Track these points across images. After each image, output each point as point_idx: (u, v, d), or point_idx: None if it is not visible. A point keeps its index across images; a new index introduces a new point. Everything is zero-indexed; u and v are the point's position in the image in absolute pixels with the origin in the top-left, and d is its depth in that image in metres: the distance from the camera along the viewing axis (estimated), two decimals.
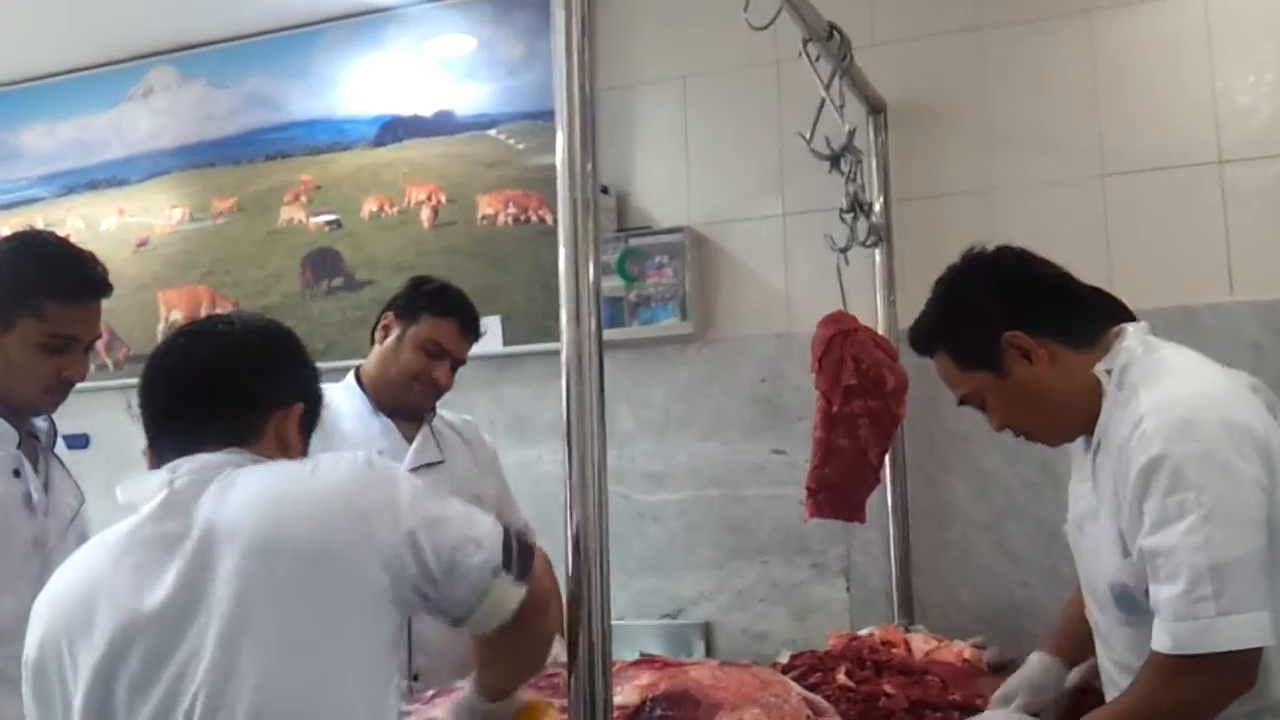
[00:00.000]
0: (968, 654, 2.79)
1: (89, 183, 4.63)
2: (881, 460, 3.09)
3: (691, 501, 3.61)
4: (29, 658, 1.61)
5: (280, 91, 4.33)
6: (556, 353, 1.78)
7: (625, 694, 2.16)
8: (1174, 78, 3.21)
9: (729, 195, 3.68)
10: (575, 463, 1.74)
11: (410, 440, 2.91)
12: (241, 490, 1.57)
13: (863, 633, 2.99)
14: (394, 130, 4.15)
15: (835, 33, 2.92)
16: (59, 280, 2.26)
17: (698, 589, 3.59)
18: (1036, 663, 2.32)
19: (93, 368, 2.44)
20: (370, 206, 4.14)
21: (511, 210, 3.92)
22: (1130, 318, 2.09)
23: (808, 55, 2.89)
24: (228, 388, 1.72)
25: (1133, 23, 3.26)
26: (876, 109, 3.41)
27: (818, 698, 2.31)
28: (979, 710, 2.31)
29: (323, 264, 4.18)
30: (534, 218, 3.88)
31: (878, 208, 3.32)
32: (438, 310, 2.88)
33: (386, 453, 2.74)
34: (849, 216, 3.09)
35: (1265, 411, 1.93)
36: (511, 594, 1.63)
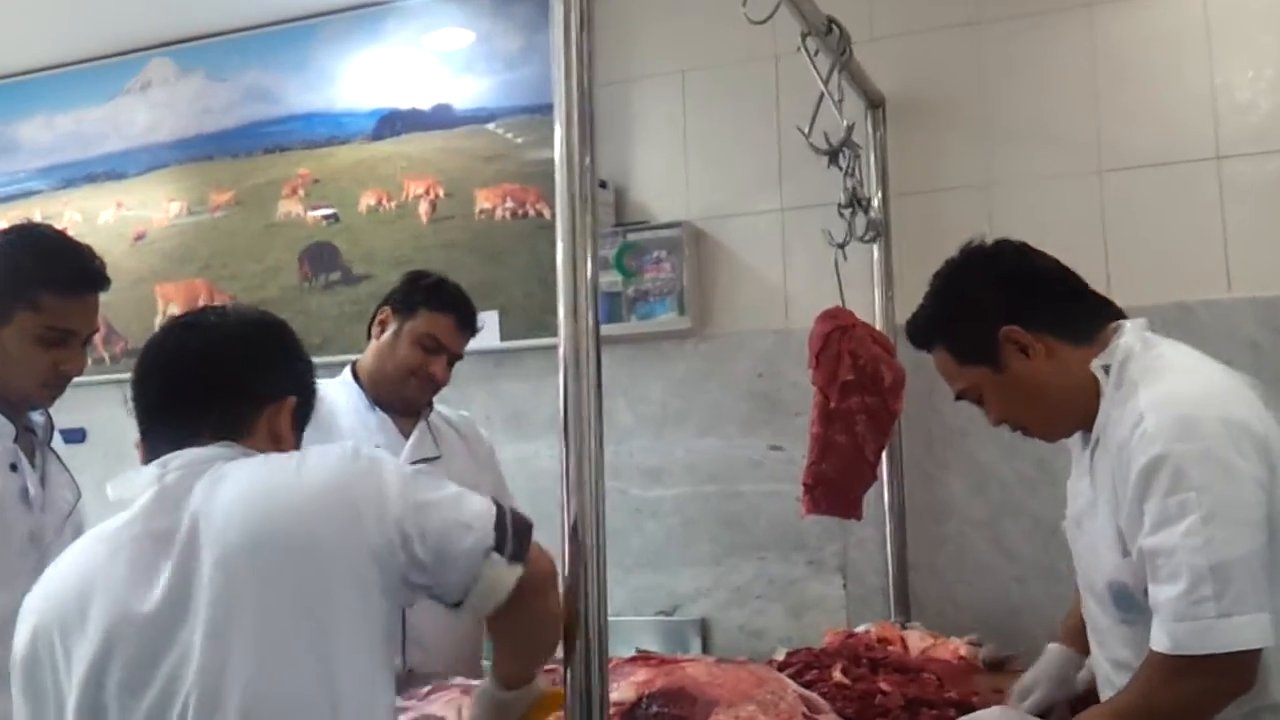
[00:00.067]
0: (964, 651, 2.79)
1: (87, 176, 4.62)
2: (878, 456, 3.09)
3: (688, 497, 3.61)
4: (20, 652, 1.60)
5: (278, 85, 4.32)
6: (554, 348, 1.78)
7: (621, 691, 2.16)
8: (1173, 73, 3.20)
9: (727, 190, 3.67)
10: (572, 458, 1.74)
11: (407, 435, 2.90)
12: (230, 485, 1.56)
13: (859, 630, 2.99)
14: (392, 124, 4.14)
15: (834, 27, 2.91)
16: (56, 273, 2.25)
17: (694, 585, 3.59)
18: (1055, 654, 2.32)
19: (90, 361, 2.44)
20: (368, 200, 4.14)
21: (509, 204, 3.92)
22: (1121, 317, 2.09)
23: (806, 50, 2.88)
24: (220, 380, 1.70)
25: (1133, 17, 3.26)
26: (875, 104, 3.40)
27: (814, 695, 2.31)
28: (975, 708, 2.29)
29: (320, 258, 4.18)
30: (532, 212, 3.87)
31: (876, 203, 3.31)
32: (435, 305, 2.87)
33: (383, 448, 2.73)
34: (847, 212, 3.09)
35: (1263, 408, 1.92)
36: (505, 575, 1.61)
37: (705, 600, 3.57)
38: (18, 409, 2.31)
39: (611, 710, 1.91)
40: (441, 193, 4.03)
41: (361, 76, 4.18)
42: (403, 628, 2.50)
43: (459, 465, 2.90)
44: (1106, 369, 1.98)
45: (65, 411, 2.45)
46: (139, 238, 4.49)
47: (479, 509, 1.63)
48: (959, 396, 2.16)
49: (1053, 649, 2.33)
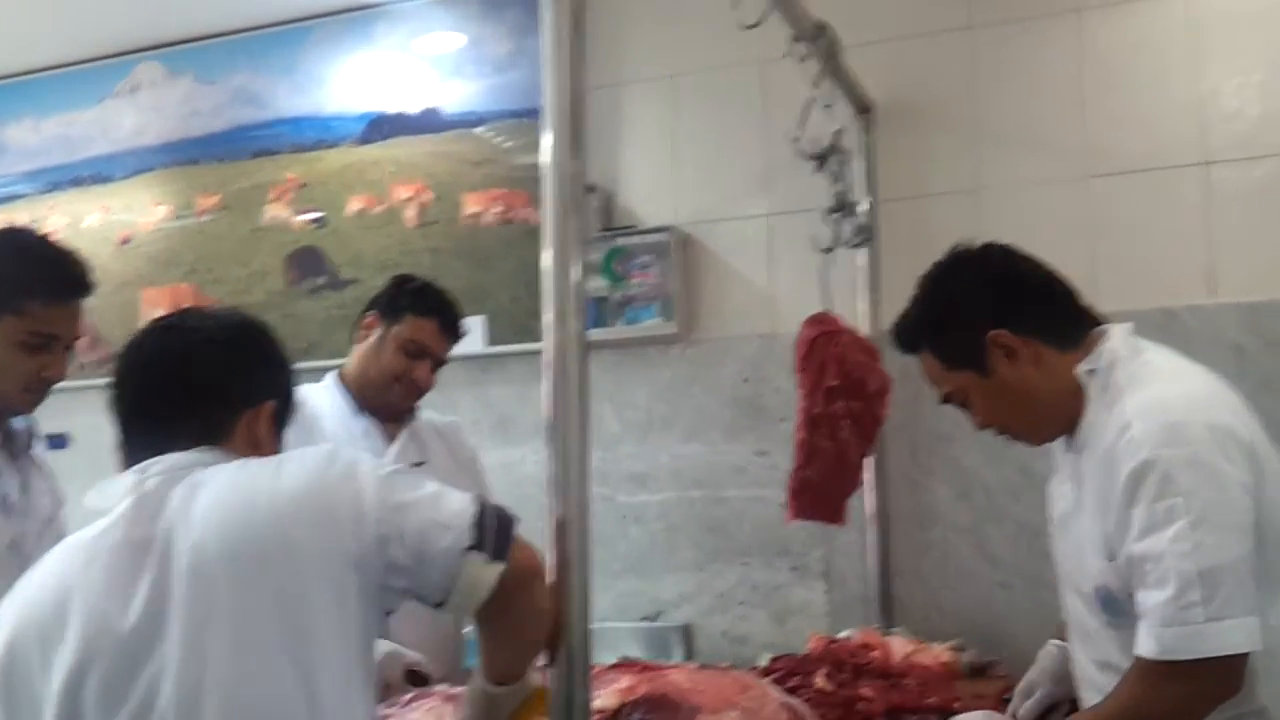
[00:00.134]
0: (946, 657, 2.78)
1: (73, 179, 4.61)
2: (863, 462, 3.10)
3: (673, 503, 3.61)
4: None
5: (267, 88, 4.31)
6: (540, 353, 1.77)
7: (604, 698, 2.15)
8: (1160, 79, 3.21)
9: (715, 195, 3.67)
10: (558, 463, 1.74)
11: (392, 441, 2.90)
12: (207, 492, 1.56)
13: (842, 636, 2.99)
14: (380, 128, 4.13)
15: (823, 32, 2.91)
16: (41, 279, 2.24)
17: (678, 591, 3.58)
18: (1055, 652, 2.32)
19: (74, 366, 2.43)
20: (355, 205, 4.13)
21: (497, 209, 3.91)
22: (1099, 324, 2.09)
23: (795, 54, 2.89)
24: (199, 384, 1.69)
25: (1121, 23, 3.26)
26: (864, 108, 3.40)
27: (796, 701, 2.31)
28: (956, 714, 2.30)
29: (307, 262, 4.17)
30: (520, 217, 3.86)
31: (864, 208, 3.31)
32: (419, 309, 2.87)
33: (368, 454, 2.72)
34: (835, 216, 3.09)
35: (1247, 413, 1.93)
36: (485, 573, 1.59)
37: (689, 606, 3.57)
38: (0, 415, 2.30)
39: (594, 718, 1.91)
40: (429, 197, 4.02)
41: (350, 80, 4.17)
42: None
43: (443, 472, 2.88)
44: (1092, 373, 1.99)
45: (48, 417, 2.44)
46: (125, 242, 4.47)
47: (457, 507, 1.61)
48: (944, 400, 2.16)
49: (1052, 647, 2.33)
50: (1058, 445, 2.11)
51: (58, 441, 3.53)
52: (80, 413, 3.25)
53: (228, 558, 1.51)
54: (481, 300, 3.76)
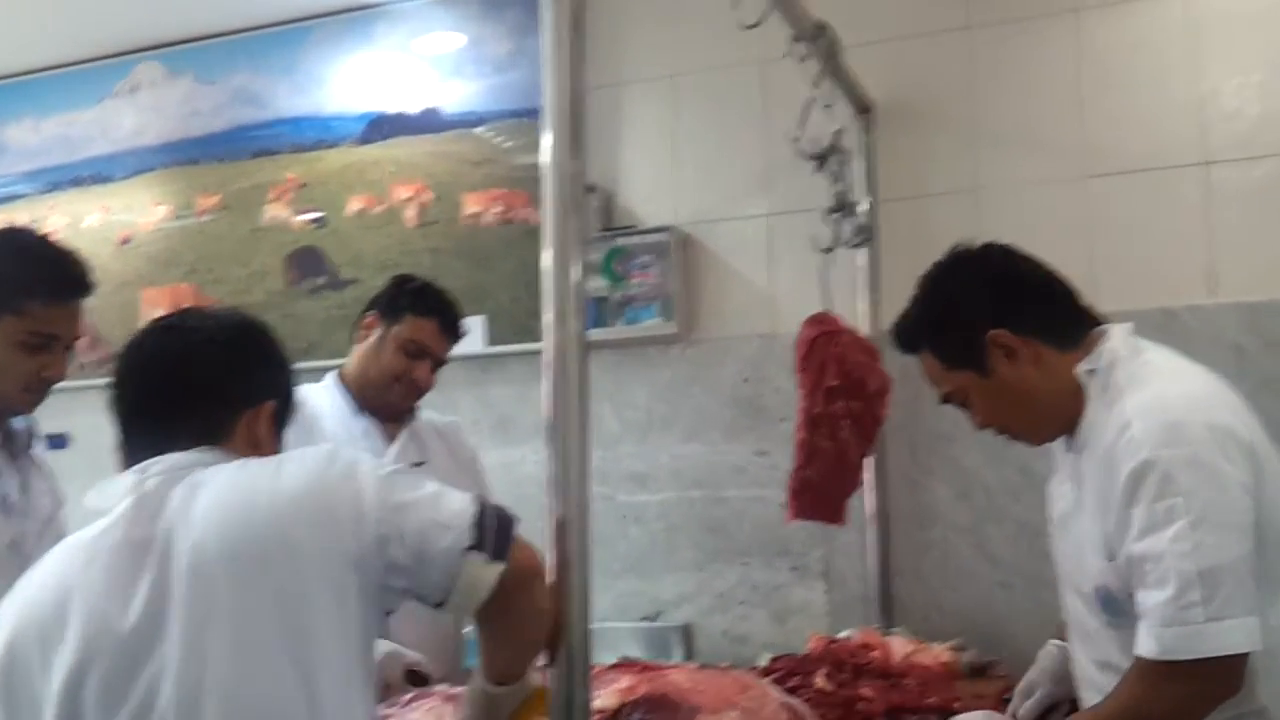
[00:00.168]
0: (946, 657, 2.78)
1: (73, 179, 4.61)
2: (863, 462, 3.10)
3: (673, 503, 3.61)
4: None
5: (267, 88, 4.31)
6: (540, 353, 1.77)
7: (604, 698, 2.15)
8: (1159, 79, 3.21)
9: (715, 195, 3.67)
10: (558, 463, 1.74)
11: (392, 441, 2.90)
12: (207, 492, 1.56)
13: (842, 635, 2.99)
14: (380, 128, 4.13)
15: (823, 32, 2.91)
16: (41, 279, 2.23)
17: (678, 591, 3.58)
18: (1055, 652, 2.32)
19: (74, 366, 2.43)
20: (355, 205, 4.13)
21: (497, 209, 3.91)
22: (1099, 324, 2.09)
23: (795, 54, 2.89)
24: (199, 384, 1.69)
25: (1120, 23, 3.26)
26: (863, 108, 3.40)
27: (796, 701, 2.31)
28: (955, 714, 2.30)
29: (307, 262, 4.17)
30: (520, 217, 3.87)
31: (864, 208, 3.31)
32: (419, 310, 2.86)
33: (368, 455, 2.72)
34: (835, 216, 3.09)
35: (1248, 414, 1.93)
36: (485, 573, 1.59)
37: (689, 606, 3.57)
38: (0, 415, 2.30)
39: (594, 718, 1.91)
40: (429, 197, 4.02)
41: (350, 80, 4.17)
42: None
43: (443, 472, 2.88)
44: (1092, 373, 1.99)
45: (48, 417, 2.44)
46: (125, 242, 4.47)
47: (457, 507, 1.61)
48: (944, 400, 2.16)
49: (1052, 647, 2.33)
50: (1058, 445, 2.11)
51: (58, 441, 3.53)
52: (80, 413, 3.25)
53: (227, 558, 1.51)
54: (481, 300, 3.76)
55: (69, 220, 4.54)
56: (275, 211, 4.24)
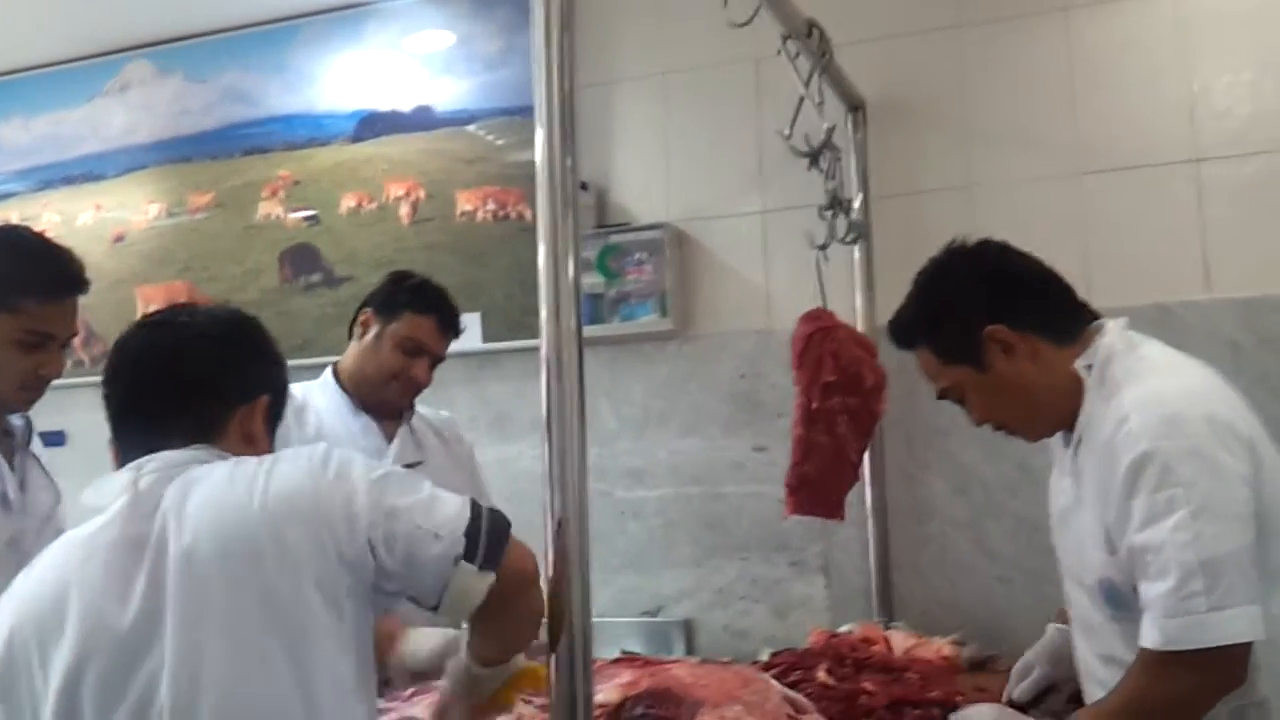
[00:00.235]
0: (947, 651, 2.79)
1: (64, 178, 4.60)
2: (860, 457, 3.10)
3: (671, 499, 3.61)
4: None
5: (258, 86, 4.31)
6: (536, 349, 1.77)
7: (606, 693, 2.15)
8: (1151, 76, 3.22)
9: (709, 192, 3.67)
10: (556, 460, 1.73)
11: (390, 439, 2.89)
12: (200, 490, 1.55)
13: (842, 630, 3.00)
14: (372, 126, 4.13)
15: (814, 30, 2.91)
16: (36, 276, 2.23)
17: (678, 586, 3.59)
18: (1054, 633, 2.32)
19: (69, 364, 2.42)
20: (349, 202, 4.13)
21: (491, 206, 3.91)
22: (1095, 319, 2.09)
23: (787, 52, 2.89)
24: (191, 380, 1.69)
25: (1109, 21, 3.27)
26: (855, 106, 3.41)
27: (798, 695, 2.31)
28: (958, 707, 2.30)
29: (301, 260, 4.17)
30: (513, 214, 3.87)
31: (857, 205, 3.31)
32: (417, 307, 2.85)
33: (367, 453, 2.70)
34: (828, 213, 3.10)
35: (1245, 407, 1.94)
36: (475, 583, 1.59)
37: (689, 601, 3.57)
38: None
39: (596, 712, 1.91)
40: (422, 194, 4.02)
41: (341, 78, 4.17)
42: None
43: (440, 468, 2.88)
44: (1089, 368, 1.99)
45: (45, 415, 2.44)
46: (118, 240, 4.47)
47: (451, 513, 1.61)
48: (941, 396, 2.16)
49: (1051, 629, 2.34)
50: (1056, 440, 2.12)
51: (54, 439, 3.53)
52: (76, 410, 3.24)
53: (220, 556, 1.50)
54: (476, 297, 3.76)
55: (62, 218, 4.53)
56: (269, 209, 4.24)
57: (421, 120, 4.06)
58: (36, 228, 2.63)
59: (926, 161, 3.43)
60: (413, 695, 2.28)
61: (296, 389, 2.68)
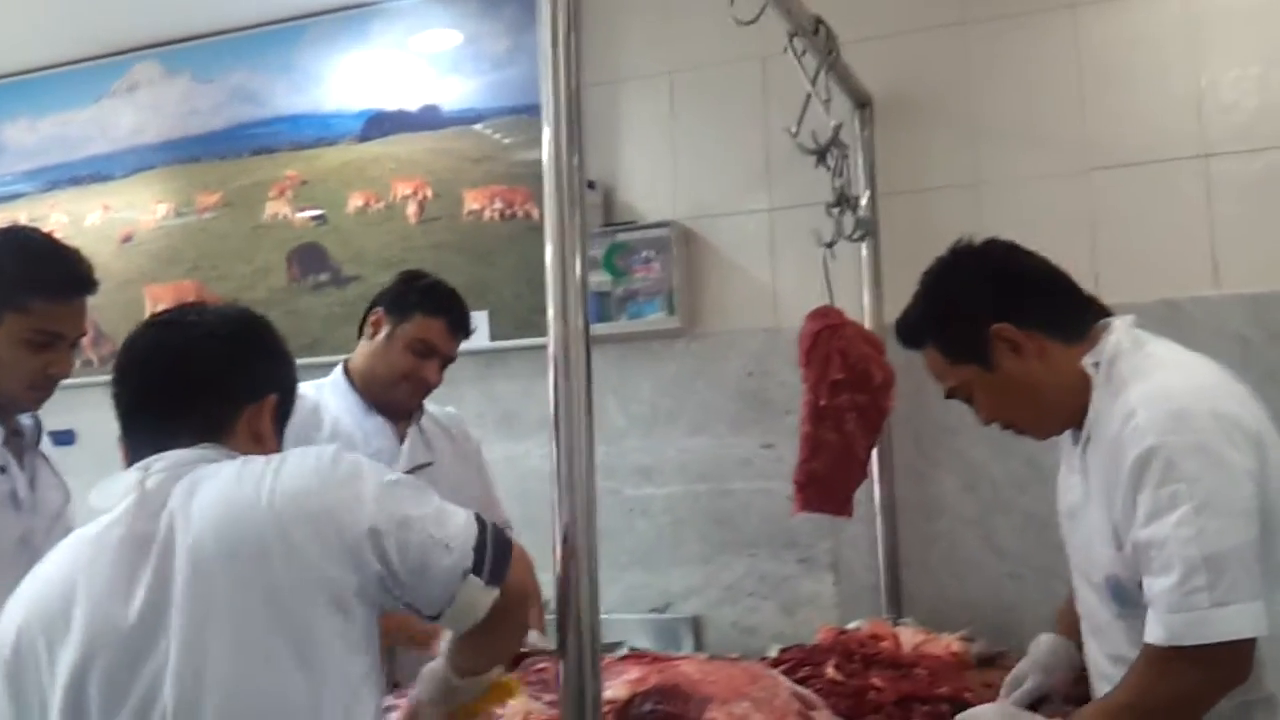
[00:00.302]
0: (956, 647, 2.79)
1: (72, 178, 4.61)
2: (869, 454, 3.10)
3: (680, 496, 3.61)
4: (4, 654, 1.59)
5: (265, 86, 4.31)
6: (544, 348, 1.77)
7: (615, 689, 2.15)
8: (1158, 72, 3.21)
9: (716, 190, 3.67)
10: (564, 458, 1.73)
11: (402, 439, 2.88)
12: (207, 490, 1.55)
13: (851, 626, 2.99)
14: (380, 125, 4.14)
15: (821, 27, 2.92)
16: (45, 277, 2.24)
17: (686, 583, 3.59)
18: (1047, 644, 2.31)
19: (78, 364, 2.43)
20: (356, 202, 4.13)
21: (498, 205, 3.92)
22: (1105, 315, 2.09)
23: (793, 50, 2.89)
24: (199, 379, 1.69)
25: (1117, 17, 3.27)
26: (862, 103, 3.41)
27: (807, 692, 2.31)
28: (967, 704, 2.30)
29: (309, 259, 4.18)
30: (520, 213, 3.87)
31: (864, 202, 3.31)
32: (428, 309, 2.83)
33: (381, 453, 2.72)
34: (835, 211, 3.10)
35: (1253, 403, 1.93)
36: (481, 598, 1.61)
37: (697, 598, 3.58)
38: (6, 412, 2.31)
39: (605, 709, 1.92)
40: (430, 193, 4.03)
41: (348, 78, 4.18)
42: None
43: (450, 469, 2.89)
44: (1096, 366, 1.99)
45: (54, 414, 2.45)
46: (126, 240, 4.48)
47: (460, 527, 1.62)
48: (949, 395, 2.16)
49: (1045, 639, 2.33)
50: (1065, 438, 2.11)
51: (63, 438, 3.53)
52: (85, 409, 3.24)
53: (227, 555, 1.51)
54: (484, 296, 3.76)
55: (70, 219, 4.55)
56: (276, 208, 4.25)
57: (428, 119, 4.06)
58: (44, 228, 2.65)
59: (934, 158, 3.43)
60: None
61: (308, 388, 2.69)
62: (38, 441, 2.39)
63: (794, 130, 2.93)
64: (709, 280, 3.64)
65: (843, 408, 2.94)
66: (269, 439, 1.74)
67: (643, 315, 3.61)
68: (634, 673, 2.22)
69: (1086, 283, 2.12)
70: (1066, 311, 2.07)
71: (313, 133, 4.23)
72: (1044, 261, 2.11)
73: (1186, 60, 3.18)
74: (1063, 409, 2.04)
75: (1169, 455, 1.79)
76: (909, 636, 2.86)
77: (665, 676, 2.19)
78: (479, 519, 1.66)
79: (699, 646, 3.49)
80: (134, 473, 1.62)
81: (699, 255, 3.65)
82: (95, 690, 1.50)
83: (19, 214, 4.54)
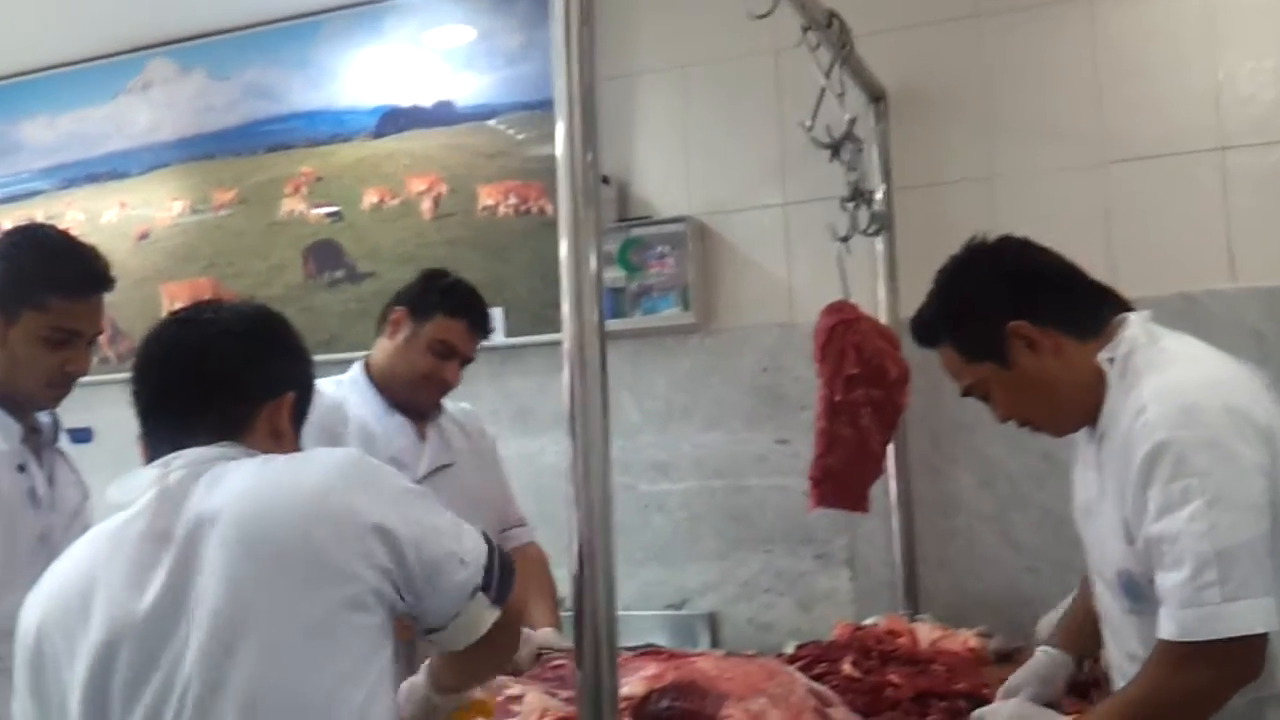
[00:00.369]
0: (973, 643, 2.79)
1: (89, 176, 4.63)
2: (884, 450, 3.09)
3: (695, 492, 3.61)
4: (24, 649, 1.60)
5: (280, 83, 4.32)
6: (558, 344, 1.77)
7: (631, 685, 2.15)
8: (1176, 64, 3.20)
9: (730, 185, 3.67)
10: (579, 454, 1.73)
11: (423, 438, 2.87)
12: (228, 486, 1.56)
13: (868, 622, 2.99)
14: (394, 121, 4.14)
15: (835, 20, 2.91)
16: (62, 274, 2.25)
17: (702, 579, 3.59)
18: (1044, 657, 2.31)
19: (95, 361, 2.44)
20: (371, 198, 4.14)
21: (512, 201, 3.92)
22: (1126, 309, 2.08)
23: (807, 43, 2.89)
24: (218, 377, 1.69)
25: (1134, 9, 3.25)
26: (877, 97, 3.40)
27: (824, 688, 2.31)
28: (984, 700, 2.30)
29: (324, 256, 4.19)
30: (535, 208, 3.87)
31: (879, 196, 3.31)
32: (449, 309, 2.82)
33: (403, 452, 2.73)
34: (850, 205, 3.09)
35: (1267, 397, 1.92)
36: (485, 617, 1.62)
37: (713, 594, 3.58)
38: (24, 409, 2.32)
39: (621, 705, 1.92)
40: (444, 190, 4.03)
41: (363, 74, 4.18)
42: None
43: (469, 469, 2.89)
44: (1112, 361, 1.98)
45: (72, 411, 2.46)
46: (143, 237, 4.49)
47: (475, 544, 1.64)
48: (965, 393, 2.15)
49: (1042, 652, 2.32)
50: (1081, 434, 2.10)
51: (81, 436, 3.55)
52: (103, 407, 3.25)
53: (248, 551, 1.51)
54: (499, 291, 3.75)
55: (86, 216, 4.56)
56: (292, 205, 4.26)
57: (443, 115, 4.06)
58: (61, 226, 2.65)
59: (949, 152, 3.42)
60: None
61: (329, 385, 2.70)
62: (55, 439, 2.40)
63: (808, 124, 2.92)
64: (724, 275, 3.64)
65: (858, 403, 2.93)
66: (287, 436, 1.74)
67: (657, 311, 3.61)
68: (651, 669, 2.23)
69: (1103, 276, 2.11)
70: (1082, 308, 2.06)
71: (327, 129, 4.24)
72: (1058, 258, 2.10)
73: (1204, 53, 3.17)
74: (1079, 405, 2.03)
75: (1180, 450, 1.79)
76: (926, 632, 2.86)
77: (682, 673, 2.19)
78: (487, 538, 1.68)
79: (715, 643, 3.49)
80: (154, 469, 1.62)
81: (713, 250, 3.65)
82: (117, 683, 1.51)
83: (36, 212, 4.56)
